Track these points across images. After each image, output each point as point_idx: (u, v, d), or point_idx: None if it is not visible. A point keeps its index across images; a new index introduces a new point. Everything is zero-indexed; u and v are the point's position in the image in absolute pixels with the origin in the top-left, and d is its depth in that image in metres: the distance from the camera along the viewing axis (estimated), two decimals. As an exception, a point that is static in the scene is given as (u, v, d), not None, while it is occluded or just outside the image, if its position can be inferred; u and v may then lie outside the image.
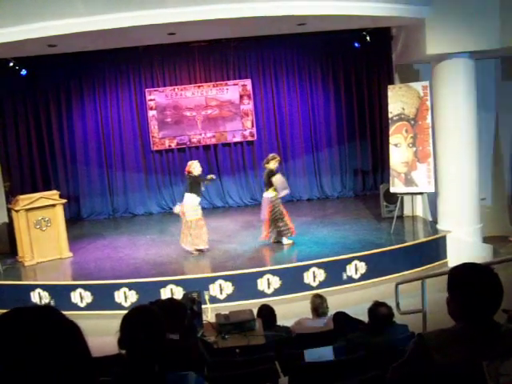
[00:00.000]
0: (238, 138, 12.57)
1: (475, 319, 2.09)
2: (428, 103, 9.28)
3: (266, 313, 5.73)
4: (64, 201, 9.62)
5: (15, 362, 1.13)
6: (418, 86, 9.41)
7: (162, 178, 12.63)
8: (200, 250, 8.98)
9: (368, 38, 10.66)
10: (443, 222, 9.35)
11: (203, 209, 12.48)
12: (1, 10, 7.00)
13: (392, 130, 9.73)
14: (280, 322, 5.88)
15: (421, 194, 9.84)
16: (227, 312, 5.36)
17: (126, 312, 2.26)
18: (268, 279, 7.93)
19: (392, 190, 9.85)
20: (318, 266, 8.06)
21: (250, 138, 12.58)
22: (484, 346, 2.03)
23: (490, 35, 8.45)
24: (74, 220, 12.15)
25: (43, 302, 7.90)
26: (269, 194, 8.91)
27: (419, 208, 10.41)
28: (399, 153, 9.65)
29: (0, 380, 1.14)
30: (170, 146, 12.51)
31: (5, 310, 1.27)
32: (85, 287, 7.99)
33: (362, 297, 7.48)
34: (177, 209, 9.13)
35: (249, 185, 12.77)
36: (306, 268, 8.05)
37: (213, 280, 7.88)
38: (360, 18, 8.16)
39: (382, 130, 11.81)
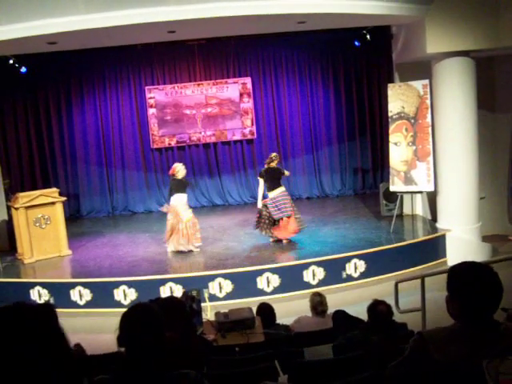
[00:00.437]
0: (237, 137, 12.57)
1: (475, 318, 2.09)
2: (428, 102, 9.28)
3: (266, 311, 5.74)
4: (63, 198, 9.62)
5: None
6: (418, 84, 9.41)
7: (161, 176, 12.62)
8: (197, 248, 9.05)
9: (368, 36, 10.67)
10: (443, 220, 9.35)
11: (203, 207, 12.63)
12: (0, 8, 6.99)
13: (392, 128, 9.72)
14: (279, 320, 5.89)
15: (420, 192, 9.84)
16: (227, 310, 5.35)
17: (125, 310, 2.25)
18: (267, 277, 7.94)
19: (392, 188, 9.85)
20: (318, 264, 8.07)
21: (249, 137, 12.58)
22: (483, 344, 2.03)
23: (490, 34, 8.45)
24: (73, 218, 12.16)
25: (43, 300, 7.90)
26: (282, 189, 8.99)
27: (419, 207, 10.42)
28: (399, 151, 9.65)
29: None
30: (169, 144, 12.51)
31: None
32: (84, 285, 7.99)
33: (361, 295, 7.49)
34: (165, 208, 9.14)
35: (248, 183, 12.76)
36: (306, 266, 8.05)
37: (212, 278, 7.88)
38: (360, 17, 8.15)
39: (382, 129, 11.82)
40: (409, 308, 6.15)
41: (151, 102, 12.32)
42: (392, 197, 10.10)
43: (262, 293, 7.86)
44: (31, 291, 8.05)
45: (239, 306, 5.73)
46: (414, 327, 4.60)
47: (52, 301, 7.82)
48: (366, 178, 12.86)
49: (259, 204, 9.07)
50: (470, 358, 2.01)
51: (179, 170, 8.92)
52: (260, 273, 7.95)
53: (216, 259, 8.62)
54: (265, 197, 9.15)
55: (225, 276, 7.90)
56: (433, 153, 9.29)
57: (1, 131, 11.81)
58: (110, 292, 7.90)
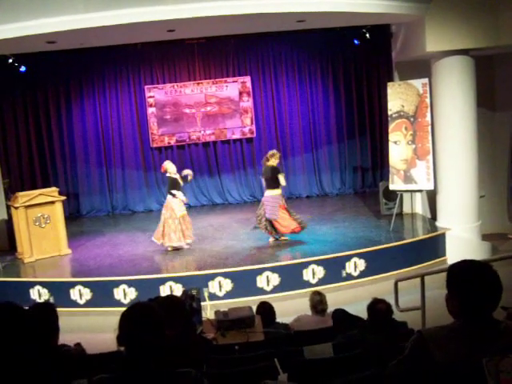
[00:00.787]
0: (237, 135, 12.57)
1: (474, 316, 2.09)
2: (427, 100, 9.27)
3: (266, 310, 5.74)
4: (63, 198, 9.62)
5: None
6: (417, 83, 9.40)
7: (161, 175, 12.55)
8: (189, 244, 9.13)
9: (368, 35, 10.66)
10: (442, 219, 9.36)
11: (203, 206, 12.63)
12: (0, 7, 6.98)
13: (391, 127, 9.72)
14: (279, 319, 5.89)
15: (420, 191, 9.83)
16: (226, 309, 5.35)
17: (125, 309, 2.25)
18: (267, 276, 7.94)
19: (391, 187, 9.85)
20: (318, 263, 8.07)
21: (249, 135, 12.58)
22: (483, 342, 2.03)
23: (490, 33, 8.45)
24: (73, 217, 12.16)
25: (42, 299, 7.91)
26: (273, 192, 8.88)
27: (418, 205, 10.41)
28: (398, 150, 9.65)
29: None
30: (169, 143, 12.51)
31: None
32: (84, 284, 7.99)
33: (361, 294, 7.49)
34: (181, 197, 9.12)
35: (248, 182, 12.77)
36: (306, 265, 8.05)
37: (212, 277, 7.89)
38: (360, 15, 8.15)
39: (382, 127, 11.82)
40: (409, 307, 6.15)
41: (151, 101, 12.31)
42: (392, 195, 10.10)
43: (261, 292, 7.87)
44: (31, 290, 8.05)
45: (239, 305, 5.73)
46: (413, 326, 4.60)
47: (52, 300, 7.82)
48: (365, 177, 12.85)
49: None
50: (470, 356, 2.01)
51: (168, 167, 8.98)
52: (260, 272, 7.95)
53: (216, 258, 8.62)
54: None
55: (224, 275, 7.91)
56: (432, 151, 9.30)
57: (0, 130, 11.80)
58: (110, 291, 7.91)
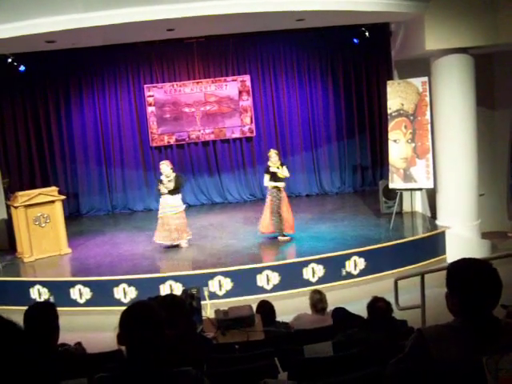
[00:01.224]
0: (236, 134, 12.56)
1: (474, 314, 2.09)
2: (427, 99, 9.28)
3: (266, 309, 5.74)
4: (63, 197, 9.62)
5: None
6: (417, 81, 9.41)
7: (160, 174, 12.59)
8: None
9: (367, 33, 10.66)
10: (442, 217, 9.36)
11: (202, 205, 12.63)
12: (-1, 6, 6.99)
13: (391, 125, 9.72)
14: (279, 317, 5.89)
15: (420, 189, 9.84)
16: (226, 308, 5.35)
17: (125, 308, 2.25)
18: (267, 275, 7.95)
19: (391, 185, 9.86)
20: (317, 261, 8.08)
21: (248, 134, 12.57)
22: (483, 341, 2.04)
23: (489, 31, 8.45)
24: (73, 216, 12.16)
25: (43, 298, 7.91)
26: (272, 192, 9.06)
27: (418, 204, 10.42)
28: (398, 149, 9.65)
29: None
30: (168, 142, 12.50)
31: (5, 307, 1.28)
32: (84, 283, 8.00)
33: (360, 292, 7.50)
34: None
35: (247, 181, 12.76)
36: (305, 264, 8.06)
37: (212, 276, 7.90)
38: (359, 14, 8.14)
39: (381, 126, 11.82)
40: (408, 305, 6.16)
41: (150, 100, 12.31)
42: (391, 194, 10.10)
43: (261, 290, 7.87)
44: (31, 290, 8.06)
45: (239, 304, 5.73)
46: (413, 324, 4.60)
47: (52, 299, 7.82)
48: (365, 176, 12.85)
49: None
50: (470, 354, 2.01)
51: (162, 168, 9.12)
52: (260, 270, 7.96)
53: (216, 257, 8.63)
54: None
55: (224, 274, 7.91)
56: (432, 150, 9.30)
57: (0, 129, 11.79)
58: (110, 290, 7.91)
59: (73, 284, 8.04)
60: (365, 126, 12.59)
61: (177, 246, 9.15)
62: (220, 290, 7.89)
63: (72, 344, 4.11)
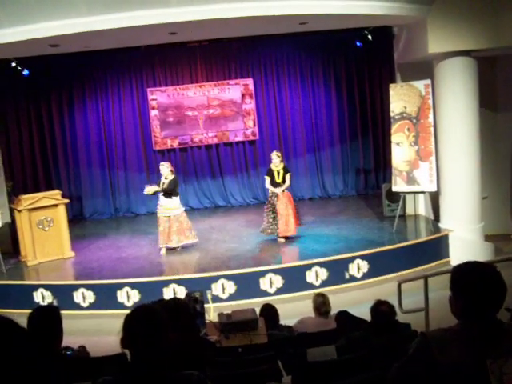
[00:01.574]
0: (239, 138, 12.57)
1: (478, 317, 2.09)
2: (430, 102, 9.27)
3: (269, 312, 5.73)
4: (66, 201, 9.65)
5: None
6: (419, 84, 9.40)
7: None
8: None
9: (370, 36, 10.66)
10: (445, 220, 9.35)
11: (205, 208, 12.64)
12: (3, 11, 7.01)
13: (394, 128, 9.72)
14: (282, 321, 5.89)
15: (423, 192, 9.83)
16: (230, 311, 5.35)
17: (128, 312, 2.26)
18: (270, 278, 7.94)
19: (394, 188, 9.84)
20: (321, 265, 8.07)
21: (251, 138, 12.58)
22: (487, 344, 2.03)
23: (491, 34, 8.45)
24: (76, 220, 12.18)
25: (46, 302, 7.92)
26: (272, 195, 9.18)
27: (421, 207, 10.41)
28: (401, 151, 9.64)
29: None
30: (171, 145, 12.52)
31: (8, 310, 1.28)
32: (87, 287, 8.00)
33: (364, 296, 7.48)
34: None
35: (251, 184, 12.77)
36: (309, 267, 8.05)
37: (215, 279, 7.89)
38: (362, 17, 8.15)
39: (384, 129, 11.82)
40: (412, 308, 6.14)
41: (153, 103, 12.33)
42: (394, 197, 10.09)
43: (264, 294, 7.87)
44: (34, 293, 8.07)
45: (242, 307, 5.73)
46: (417, 327, 4.59)
47: (55, 303, 7.83)
48: (368, 179, 12.84)
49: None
50: (474, 358, 2.00)
51: (161, 170, 9.22)
52: (263, 274, 7.96)
53: (219, 260, 8.63)
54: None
55: (228, 277, 7.91)
56: (435, 153, 9.29)
57: (3, 133, 11.81)
58: (113, 294, 7.92)
59: (76, 287, 8.04)
60: (368, 128, 12.58)
61: (174, 249, 9.17)
62: (223, 293, 7.88)
63: (76, 347, 4.11)
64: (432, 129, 9.28)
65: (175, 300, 3.83)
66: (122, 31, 7.42)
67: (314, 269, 8.04)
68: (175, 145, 12.52)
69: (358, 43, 11.32)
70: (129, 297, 7.90)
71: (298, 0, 7.49)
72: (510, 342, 2.04)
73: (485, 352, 2.01)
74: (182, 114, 12.39)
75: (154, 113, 12.36)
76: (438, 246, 8.90)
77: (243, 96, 12.41)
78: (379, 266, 8.26)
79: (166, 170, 9.08)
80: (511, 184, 10.73)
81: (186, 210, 9.51)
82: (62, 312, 3.52)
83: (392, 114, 9.74)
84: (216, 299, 7.70)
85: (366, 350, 3.79)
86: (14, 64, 10.40)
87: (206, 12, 7.21)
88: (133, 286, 7.91)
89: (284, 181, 9.04)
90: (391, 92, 9.74)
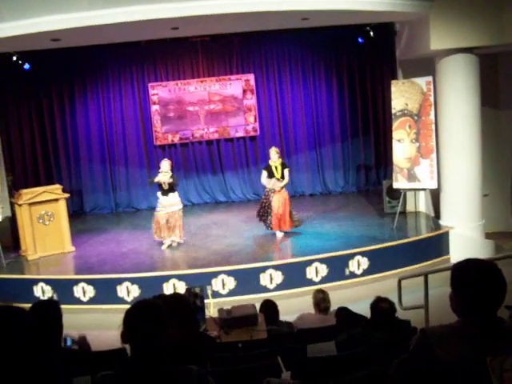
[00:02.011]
0: (240, 133, 12.56)
1: (478, 315, 2.09)
2: (431, 99, 9.25)
3: (269, 308, 5.73)
4: (67, 195, 9.64)
5: None
6: (421, 81, 9.38)
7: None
8: None
9: (372, 33, 10.62)
10: (446, 217, 9.34)
11: (206, 204, 12.64)
12: (4, 4, 6.99)
13: (395, 125, 9.70)
14: (282, 317, 5.89)
15: (424, 189, 9.83)
16: (230, 307, 5.36)
17: (128, 306, 2.26)
18: (270, 274, 7.95)
19: (395, 185, 9.84)
20: (321, 261, 8.07)
21: (252, 133, 12.57)
22: (487, 341, 2.03)
23: (494, 31, 8.42)
24: (76, 214, 12.17)
25: (46, 296, 7.93)
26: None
27: (422, 204, 10.41)
28: (402, 148, 9.63)
29: None
30: (172, 140, 12.51)
31: (8, 304, 1.28)
32: (87, 281, 8.01)
33: (364, 292, 7.50)
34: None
35: (251, 180, 12.75)
36: (309, 263, 8.06)
37: (215, 275, 7.90)
38: (364, 13, 8.13)
39: (385, 126, 11.81)
40: (412, 305, 6.15)
41: (154, 98, 12.31)
42: (395, 194, 10.08)
43: (264, 289, 7.87)
44: (34, 288, 8.08)
45: (242, 303, 5.74)
46: (417, 324, 4.59)
47: (55, 297, 7.84)
48: (369, 175, 12.84)
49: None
50: (474, 354, 2.00)
51: (163, 164, 9.13)
52: (263, 269, 7.96)
53: (219, 256, 8.63)
54: None
55: (228, 273, 7.91)
56: (436, 150, 9.28)
57: (4, 128, 11.79)
58: (114, 288, 7.92)
59: (76, 282, 8.05)
60: (369, 125, 12.57)
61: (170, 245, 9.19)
62: (223, 288, 7.89)
63: (76, 336, 4.11)
64: (433, 126, 9.27)
65: (175, 295, 3.84)
66: (124, 26, 7.40)
67: (314, 265, 8.04)
68: (176, 140, 12.51)
69: (359, 40, 11.28)
70: (129, 292, 7.90)
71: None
72: (510, 339, 2.04)
73: (485, 349, 2.01)
74: (183, 109, 12.38)
75: (154, 108, 12.35)
76: (438, 243, 8.90)
77: (244, 91, 12.39)
78: (379, 262, 8.26)
79: (167, 167, 9.06)
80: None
81: (186, 206, 9.58)
82: (62, 306, 3.53)
83: (393, 111, 9.72)
84: (216, 295, 7.70)
85: (366, 347, 3.79)
86: (15, 58, 10.37)
87: (207, 7, 7.20)
88: (133, 280, 7.92)
89: (283, 176, 9.03)
90: (393, 89, 9.73)
